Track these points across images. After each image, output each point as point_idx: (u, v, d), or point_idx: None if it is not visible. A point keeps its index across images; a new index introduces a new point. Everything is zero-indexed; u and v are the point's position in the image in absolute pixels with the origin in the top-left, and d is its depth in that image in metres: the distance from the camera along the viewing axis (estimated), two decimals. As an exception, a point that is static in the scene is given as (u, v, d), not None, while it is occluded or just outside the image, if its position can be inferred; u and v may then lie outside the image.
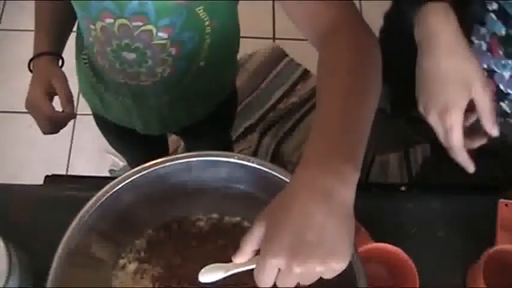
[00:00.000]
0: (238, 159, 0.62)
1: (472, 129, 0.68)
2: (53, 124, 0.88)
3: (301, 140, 1.84)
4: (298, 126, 1.87)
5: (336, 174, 0.49)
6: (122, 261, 0.69)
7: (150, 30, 0.74)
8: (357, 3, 2.12)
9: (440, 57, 0.65)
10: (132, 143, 1.16)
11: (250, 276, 0.67)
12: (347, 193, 0.49)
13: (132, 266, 0.68)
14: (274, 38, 2.08)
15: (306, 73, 1.98)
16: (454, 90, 0.65)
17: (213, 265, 0.56)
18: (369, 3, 2.12)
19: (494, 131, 0.66)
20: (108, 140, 1.18)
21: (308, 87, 1.95)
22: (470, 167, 0.68)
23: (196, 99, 0.94)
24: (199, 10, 0.73)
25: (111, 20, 0.73)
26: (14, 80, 1.92)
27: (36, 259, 0.68)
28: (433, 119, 0.67)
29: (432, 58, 0.66)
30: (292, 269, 0.46)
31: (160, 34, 0.74)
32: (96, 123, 1.12)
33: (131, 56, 0.78)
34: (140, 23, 0.73)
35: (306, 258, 0.46)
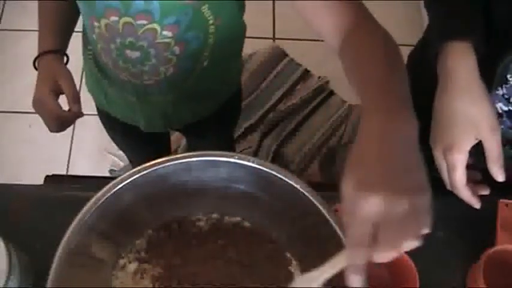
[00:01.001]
0: (238, 159, 0.62)
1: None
2: (59, 123, 0.88)
3: (303, 141, 1.83)
4: (300, 128, 1.87)
5: (402, 117, 0.51)
6: (122, 261, 0.69)
7: (155, 29, 0.74)
8: (357, 3, 2.12)
9: (452, 97, 0.68)
10: (135, 140, 1.16)
11: (250, 276, 0.67)
12: (414, 132, 0.51)
13: (132, 266, 0.68)
14: (274, 38, 2.08)
15: (306, 73, 1.98)
16: (461, 130, 0.67)
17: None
18: (369, 3, 2.12)
19: (499, 176, 0.67)
20: (111, 136, 1.18)
21: (308, 87, 1.95)
22: (475, 203, 0.70)
23: (200, 98, 0.94)
24: (204, 9, 0.73)
25: (116, 18, 0.73)
26: (14, 80, 1.93)
27: (36, 259, 0.68)
28: (437, 155, 0.69)
29: (444, 96, 0.69)
30: (394, 205, 0.44)
31: (164, 33, 0.74)
32: (100, 119, 1.12)
33: (135, 54, 0.78)
34: (145, 22, 0.73)
35: (398, 188, 0.45)
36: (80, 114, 0.89)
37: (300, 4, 0.65)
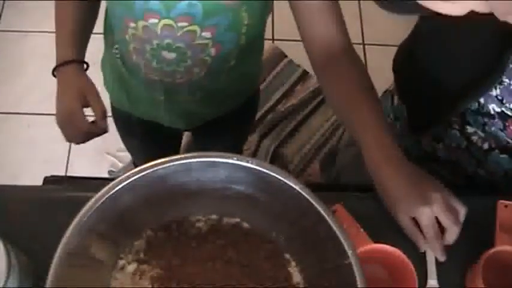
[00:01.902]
0: (237, 160, 0.62)
1: None
2: (85, 137, 0.88)
3: (303, 142, 1.83)
4: (299, 128, 1.87)
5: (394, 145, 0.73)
6: (121, 262, 0.69)
7: (194, 31, 0.73)
8: (356, 3, 2.12)
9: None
10: (149, 144, 1.15)
11: (249, 277, 0.67)
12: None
13: (131, 267, 0.68)
14: (273, 39, 2.08)
15: (305, 74, 1.99)
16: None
17: None
18: (369, 3, 2.12)
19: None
20: (123, 139, 1.17)
21: (307, 88, 1.95)
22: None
23: (225, 96, 0.94)
24: (242, 10, 0.73)
25: (156, 21, 0.72)
26: (13, 81, 1.92)
27: (35, 260, 0.68)
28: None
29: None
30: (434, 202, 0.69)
31: (204, 34, 0.74)
32: (116, 123, 1.10)
33: (171, 55, 0.77)
34: (185, 24, 0.72)
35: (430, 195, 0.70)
36: (106, 130, 0.89)
37: (302, 4, 0.66)
